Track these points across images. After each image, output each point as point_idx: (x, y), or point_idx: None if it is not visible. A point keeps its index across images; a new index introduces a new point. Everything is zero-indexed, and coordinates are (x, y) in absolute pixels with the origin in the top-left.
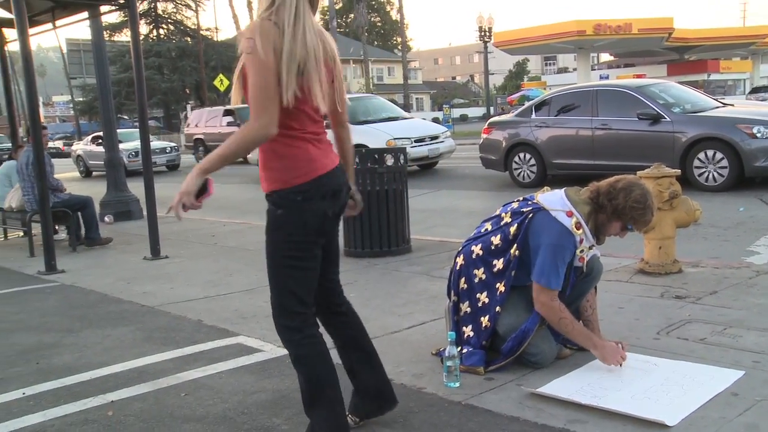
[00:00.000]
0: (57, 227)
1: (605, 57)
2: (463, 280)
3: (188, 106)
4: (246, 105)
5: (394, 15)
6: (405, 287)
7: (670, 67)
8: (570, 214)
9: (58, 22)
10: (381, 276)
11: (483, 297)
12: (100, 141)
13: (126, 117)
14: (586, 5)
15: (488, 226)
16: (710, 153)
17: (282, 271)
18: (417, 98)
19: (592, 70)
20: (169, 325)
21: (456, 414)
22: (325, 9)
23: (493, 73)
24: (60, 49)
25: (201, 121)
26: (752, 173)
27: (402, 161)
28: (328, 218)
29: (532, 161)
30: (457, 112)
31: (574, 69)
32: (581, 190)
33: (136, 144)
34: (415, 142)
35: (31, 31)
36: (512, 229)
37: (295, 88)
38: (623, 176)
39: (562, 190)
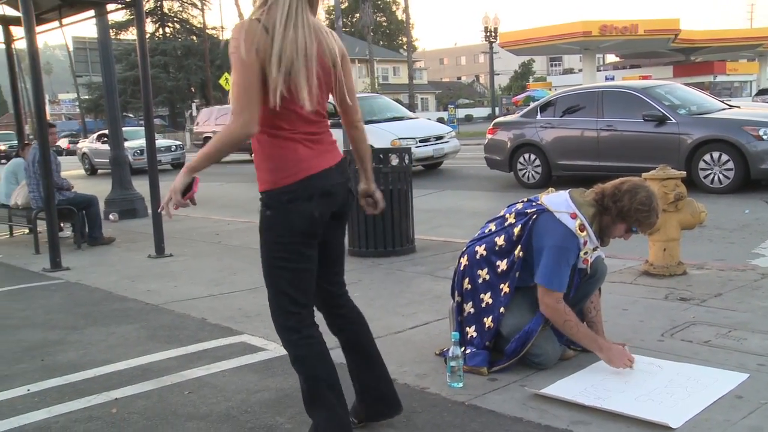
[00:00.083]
0: (62, 225)
1: (611, 58)
2: (467, 280)
3: (193, 105)
4: None
5: (400, 15)
6: (409, 287)
7: (676, 69)
8: (574, 216)
9: (65, 20)
10: (385, 276)
11: (487, 297)
12: (106, 139)
13: (131, 115)
14: (592, 6)
15: (492, 226)
16: (716, 155)
17: (274, 271)
18: (422, 98)
19: (597, 71)
20: (173, 323)
21: (459, 414)
22: (331, 8)
23: (498, 74)
24: (66, 47)
25: (210, 119)
26: (758, 175)
27: (407, 161)
28: (315, 219)
29: (537, 162)
30: (462, 113)
31: (580, 70)
32: (586, 192)
33: (141, 142)
34: (420, 142)
35: (38, 29)
36: (516, 230)
37: (281, 89)
38: (628, 178)
39: (567, 191)
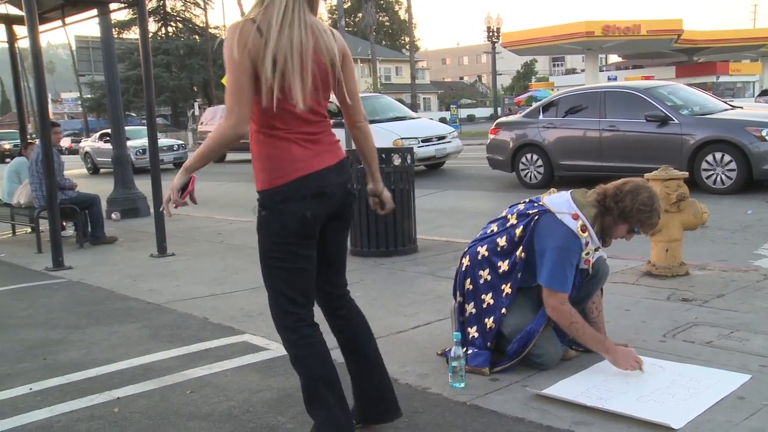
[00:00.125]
0: (64, 224)
1: (614, 58)
2: (468, 281)
3: (196, 104)
4: None
5: (403, 14)
6: (411, 287)
7: (678, 69)
8: (576, 217)
9: (68, 20)
10: (387, 276)
11: (488, 298)
12: (108, 138)
13: (134, 114)
14: (594, 6)
15: (494, 227)
16: (718, 155)
17: (270, 271)
18: (424, 98)
19: (600, 71)
20: (175, 322)
21: (461, 414)
22: (334, 8)
23: (501, 74)
24: (69, 47)
25: (215, 118)
26: (760, 176)
27: (409, 161)
28: (307, 220)
29: (539, 162)
30: (464, 113)
31: (583, 70)
32: (588, 192)
33: (143, 141)
34: (423, 142)
35: (41, 28)
36: (518, 231)
37: (275, 90)
38: (630, 179)
39: (569, 192)
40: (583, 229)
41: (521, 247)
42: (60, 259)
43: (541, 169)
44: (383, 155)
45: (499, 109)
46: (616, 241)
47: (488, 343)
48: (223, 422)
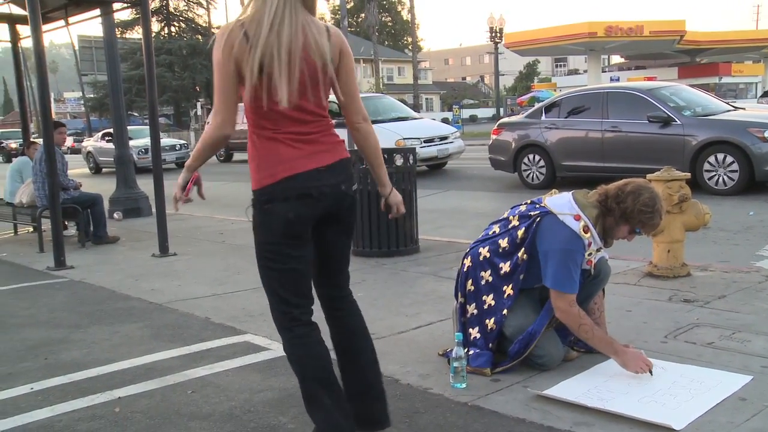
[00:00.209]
0: (66, 223)
1: (616, 59)
2: (470, 281)
3: (198, 104)
4: None
5: (405, 15)
6: (413, 287)
7: (681, 70)
8: (578, 218)
9: (71, 19)
10: (389, 276)
11: (489, 299)
12: (110, 137)
13: (136, 114)
14: (597, 7)
15: (496, 228)
16: (720, 156)
17: (263, 271)
18: (427, 98)
19: (602, 72)
20: (177, 322)
21: (462, 415)
22: (337, 8)
23: (503, 74)
24: (72, 46)
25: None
26: (763, 177)
27: (411, 161)
28: (291, 221)
29: (542, 163)
30: (466, 113)
31: (585, 71)
32: (589, 193)
33: (146, 141)
34: (425, 142)
35: (44, 27)
36: (520, 233)
37: (260, 89)
38: (632, 179)
39: (570, 192)
40: (586, 229)
41: (523, 248)
42: (62, 259)
43: (543, 170)
44: (385, 155)
45: (501, 110)
46: (618, 242)
47: (490, 344)
48: (224, 422)
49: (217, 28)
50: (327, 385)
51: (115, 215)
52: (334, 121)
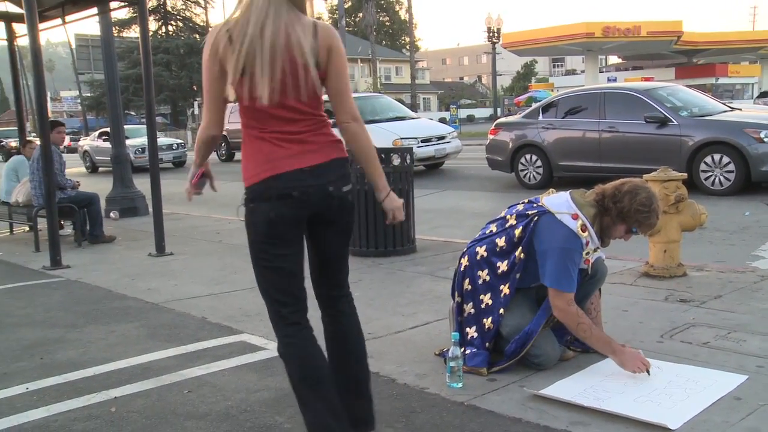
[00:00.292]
0: (62, 223)
1: (613, 59)
2: (467, 281)
3: (195, 103)
4: None
5: (403, 15)
6: (409, 287)
7: (678, 71)
8: (575, 217)
9: (68, 18)
10: (386, 276)
11: (486, 298)
12: (107, 137)
13: (133, 113)
14: (595, 7)
15: (493, 227)
16: (717, 157)
17: (255, 269)
18: (424, 98)
19: (600, 72)
20: (173, 322)
21: (458, 414)
22: (335, 8)
23: (500, 74)
24: (69, 45)
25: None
26: (759, 178)
27: (408, 161)
28: (272, 221)
29: (539, 163)
30: (464, 113)
31: (582, 71)
32: (587, 193)
33: (143, 140)
34: (422, 142)
35: (40, 26)
36: (517, 232)
37: (240, 88)
38: (629, 179)
39: (568, 192)
40: (583, 228)
41: (520, 247)
42: (58, 258)
43: (541, 170)
44: (382, 155)
45: (498, 110)
46: (615, 242)
47: (486, 344)
48: (221, 422)
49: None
50: (315, 385)
51: (111, 214)
52: (332, 120)
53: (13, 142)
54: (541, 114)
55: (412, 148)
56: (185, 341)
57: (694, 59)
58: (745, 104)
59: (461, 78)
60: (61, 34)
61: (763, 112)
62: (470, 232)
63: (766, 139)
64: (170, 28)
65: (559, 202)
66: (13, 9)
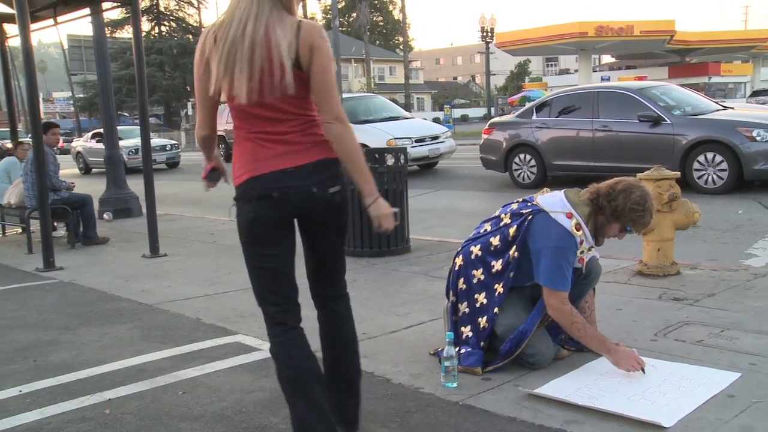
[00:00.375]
0: (55, 224)
1: (607, 59)
2: (461, 280)
3: (189, 104)
4: None
5: (397, 14)
6: (404, 287)
7: (671, 70)
8: (570, 216)
9: (60, 18)
10: (380, 276)
11: (481, 298)
12: (100, 138)
13: (126, 114)
14: (588, 7)
15: (487, 227)
16: (710, 156)
17: (247, 268)
18: (418, 98)
19: (593, 71)
20: (168, 323)
21: (453, 414)
22: (328, 8)
23: (494, 74)
24: (61, 45)
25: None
26: (751, 176)
27: (402, 161)
28: (253, 222)
29: (533, 162)
30: (458, 113)
31: (576, 70)
32: (581, 192)
33: (136, 141)
34: (416, 142)
35: (32, 26)
36: (511, 231)
37: (219, 89)
38: (623, 178)
39: (562, 191)
40: (578, 227)
41: (515, 246)
42: (51, 260)
43: (534, 169)
44: (377, 155)
45: (492, 109)
46: (609, 241)
47: (482, 342)
48: (216, 423)
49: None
50: (301, 386)
51: (105, 216)
52: None
53: (9, 144)
54: (534, 113)
55: (406, 148)
56: (179, 342)
57: (687, 58)
58: (738, 103)
59: (455, 78)
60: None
61: (755, 110)
62: (464, 231)
63: (758, 138)
64: (163, 28)
65: (553, 201)
66: (4, 9)
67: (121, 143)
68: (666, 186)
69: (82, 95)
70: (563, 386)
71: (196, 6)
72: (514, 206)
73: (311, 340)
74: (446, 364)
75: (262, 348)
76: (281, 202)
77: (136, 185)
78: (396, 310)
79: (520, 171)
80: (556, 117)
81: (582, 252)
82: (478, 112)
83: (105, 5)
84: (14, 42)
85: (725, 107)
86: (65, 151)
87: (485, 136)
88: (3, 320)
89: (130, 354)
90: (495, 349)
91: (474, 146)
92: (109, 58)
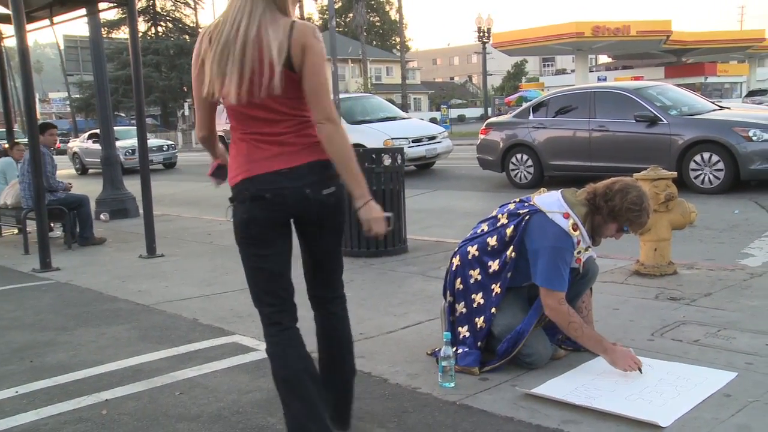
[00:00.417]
0: (52, 225)
1: (603, 59)
2: (458, 280)
3: (186, 105)
4: None
5: (393, 15)
6: (401, 287)
7: (667, 70)
8: (567, 216)
9: (56, 19)
10: (377, 276)
11: (478, 298)
12: (97, 138)
13: (123, 114)
14: (584, 7)
15: (484, 227)
16: (706, 156)
17: (244, 269)
18: (415, 98)
19: (590, 71)
20: (165, 323)
21: (451, 414)
22: (325, 8)
23: (491, 74)
24: (57, 46)
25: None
26: (747, 176)
27: (399, 161)
28: (247, 222)
29: (529, 162)
30: (454, 113)
31: (572, 70)
32: (578, 192)
33: (132, 142)
34: (413, 142)
35: (28, 27)
36: (509, 231)
37: (211, 90)
38: (620, 178)
39: (559, 191)
40: (575, 227)
41: (512, 246)
42: (47, 261)
43: (531, 170)
44: (374, 155)
45: (489, 110)
46: (606, 241)
47: (479, 343)
48: (213, 423)
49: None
50: (295, 387)
51: (101, 216)
52: None
53: (6, 144)
54: (531, 113)
55: (403, 148)
56: (176, 343)
57: (683, 58)
58: (734, 103)
59: (452, 78)
60: (49, 35)
61: (751, 110)
62: (461, 231)
63: (754, 138)
64: (160, 29)
65: (550, 201)
66: (0, 10)
67: (118, 144)
68: (663, 186)
69: (78, 96)
70: (560, 386)
71: (193, 6)
72: (511, 206)
73: (307, 340)
74: (443, 364)
75: (259, 348)
76: (275, 203)
77: (132, 186)
78: (393, 310)
79: (517, 171)
80: (553, 117)
81: (579, 252)
82: (474, 112)
83: (101, 6)
84: (10, 42)
85: (721, 107)
86: (62, 152)
87: (482, 136)
88: (0, 321)
89: (127, 354)
90: (492, 349)
91: (471, 146)
92: (105, 58)
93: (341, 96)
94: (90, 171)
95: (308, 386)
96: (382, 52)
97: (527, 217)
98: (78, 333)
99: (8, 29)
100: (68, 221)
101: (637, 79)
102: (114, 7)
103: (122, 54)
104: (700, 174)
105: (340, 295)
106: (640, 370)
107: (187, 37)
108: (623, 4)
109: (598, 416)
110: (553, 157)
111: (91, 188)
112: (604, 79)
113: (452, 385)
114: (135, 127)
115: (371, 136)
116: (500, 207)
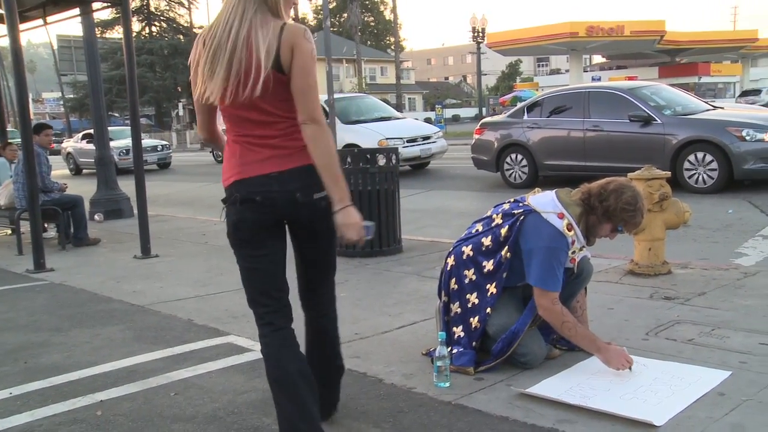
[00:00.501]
0: (46, 225)
1: (597, 59)
2: (453, 280)
3: (180, 105)
4: None
5: (388, 15)
6: (396, 287)
7: (661, 70)
8: (561, 216)
9: (49, 18)
10: (372, 276)
11: (473, 298)
12: (91, 138)
13: (117, 114)
14: (578, 7)
15: (479, 227)
16: (700, 155)
17: (239, 269)
18: (409, 98)
19: (584, 71)
20: (159, 324)
21: (446, 414)
22: (319, 8)
23: (485, 74)
24: (51, 46)
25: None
26: (741, 176)
27: (394, 161)
28: (237, 224)
29: (524, 162)
30: (449, 113)
31: (567, 70)
32: (572, 192)
33: (127, 142)
34: (407, 142)
35: (21, 26)
36: (503, 231)
37: (203, 92)
38: (614, 178)
39: (553, 191)
40: (569, 227)
41: (507, 246)
42: (41, 261)
43: (526, 169)
44: (368, 155)
45: (483, 110)
46: (600, 240)
47: (473, 343)
48: (208, 424)
49: (199, 28)
50: (287, 387)
51: (96, 217)
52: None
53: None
54: (526, 113)
55: (397, 148)
56: (171, 343)
57: (677, 58)
58: (728, 103)
59: (446, 78)
60: (42, 35)
61: (745, 110)
62: (456, 231)
63: (748, 138)
64: (154, 29)
65: (544, 201)
66: None
67: (112, 144)
68: (657, 186)
69: (72, 96)
70: (555, 385)
71: (187, 6)
72: (506, 206)
73: (301, 340)
74: (438, 364)
75: (254, 349)
76: (265, 206)
77: (127, 186)
78: (388, 310)
79: (511, 171)
80: (548, 117)
81: (573, 252)
82: (469, 112)
83: (95, 5)
84: (3, 42)
85: (715, 107)
86: (55, 152)
87: (477, 136)
88: None
89: (121, 355)
90: (487, 349)
91: (465, 146)
92: (99, 58)
93: (336, 96)
94: (84, 171)
95: (301, 387)
96: (377, 52)
97: (522, 218)
98: (72, 334)
99: (1, 29)
100: (62, 222)
101: (631, 79)
102: (108, 7)
103: (116, 54)
104: (694, 174)
105: (331, 297)
106: (629, 368)
107: (181, 37)
108: (617, 4)
109: (593, 416)
110: (548, 157)
111: (85, 188)
112: (599, 79)
113: (447, 385)
114: (129, 127)
115: (366, 136)
116: (495, 207)
